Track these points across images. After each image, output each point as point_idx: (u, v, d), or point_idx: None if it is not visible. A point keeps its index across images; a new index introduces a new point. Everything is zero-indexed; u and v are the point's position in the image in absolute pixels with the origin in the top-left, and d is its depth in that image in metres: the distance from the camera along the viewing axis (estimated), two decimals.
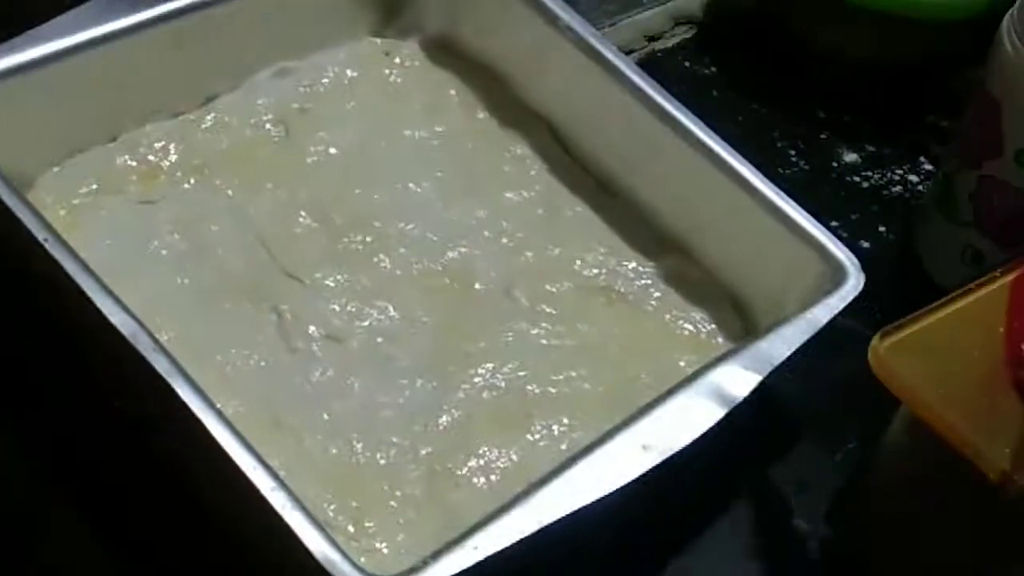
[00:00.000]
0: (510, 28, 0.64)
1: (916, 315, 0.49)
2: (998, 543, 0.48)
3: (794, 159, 0.75)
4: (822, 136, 0.77)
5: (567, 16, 0.62)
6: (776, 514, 0.55)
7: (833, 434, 0.59)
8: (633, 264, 0.60)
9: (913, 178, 0.75)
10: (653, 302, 0.59)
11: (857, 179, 0.74)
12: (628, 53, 0.80)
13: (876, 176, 0.75)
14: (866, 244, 0.70)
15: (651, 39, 0.81)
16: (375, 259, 0.58)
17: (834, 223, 0.71)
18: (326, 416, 0.52)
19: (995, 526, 0.47)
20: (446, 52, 0.67)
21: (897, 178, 0.75)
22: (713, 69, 0.80)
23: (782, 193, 0.57)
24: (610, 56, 0.61)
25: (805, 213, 0.57)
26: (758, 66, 0.80)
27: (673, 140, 0.59)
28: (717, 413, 0.48)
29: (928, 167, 0.75)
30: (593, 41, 0.61)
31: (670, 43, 0.82)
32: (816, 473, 0.58)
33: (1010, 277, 0.50)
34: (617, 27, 0.79)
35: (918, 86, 0.78)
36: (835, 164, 0.75)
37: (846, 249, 0.56)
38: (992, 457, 0.44)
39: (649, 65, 0.79)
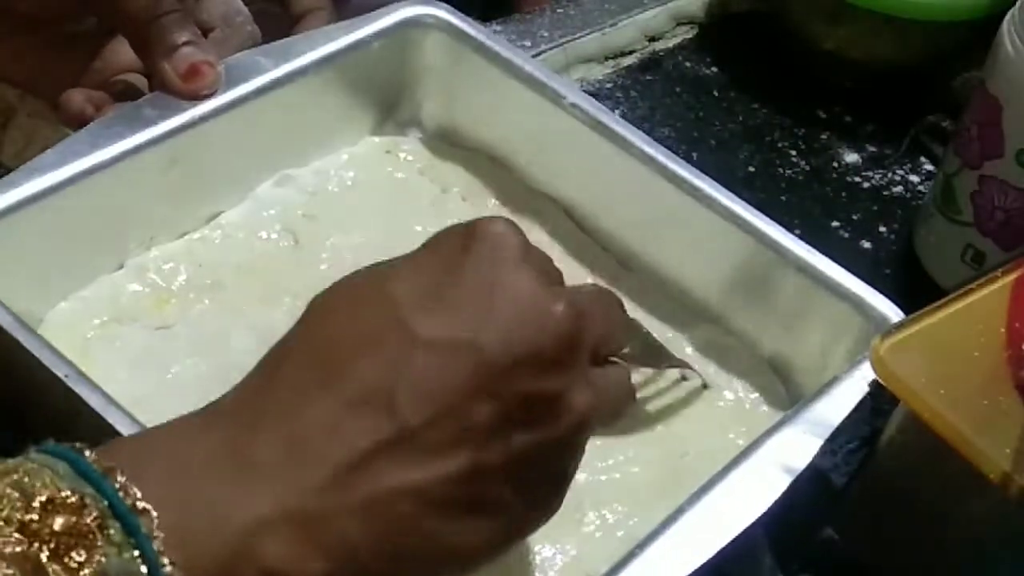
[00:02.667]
0: (512, 112, 0.63)
1: (916, 315, 0.49)
2: (998, 543, 0.48)
3: (795, 159, 0.75)
4: (823, 136, 0.77)
5: (571, 94, 0.61)
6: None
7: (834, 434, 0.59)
8: (665, 338, 0.59)
9: (914, 178, 0.75)
10: (691, 375, 0.58)
11: (858, 179, 0.74)
12: (629, 53, 0.80)
13: (877, 176, 0.75)
14: (867, 244, 0.70)
15: (652, 39, 0.81)
16: None
17: (835, 223, 0.71)
18: None
19: (995, 526, 0.47)
20: (448, 143, 0.66)
21: (898, 178, 0.75)
22: (714, 69, 0.80)
23: (813, 250, 0.56)
24: (620, 130, 0.60)
25: (839, 267, 0.56)
26: (758, 66, 0.81)
27: (694, 207, 0.58)
28: (780, 485, 0.47)
29: (929, 167, 0.75)
30: (601, 116, 0.60)
31: (671, 43, 0.82)
32: (822, 472, 0.58)
33: (1011, 277, 0.50)
34: (618, 27, 0.79)
35: (919, 86, 0.78)
36: (836, 164, 0.75)
37: (885, 299, 0.54)
38: (992, 457, 0.45)
39: (650, 65, 0.79)
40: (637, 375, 0.52)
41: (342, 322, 0.38)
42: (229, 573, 0.35)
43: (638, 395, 0.54)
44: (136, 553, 0.33)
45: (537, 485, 0.39)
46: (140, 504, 0.34)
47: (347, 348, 0.37)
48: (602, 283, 0.61)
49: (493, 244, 0.39)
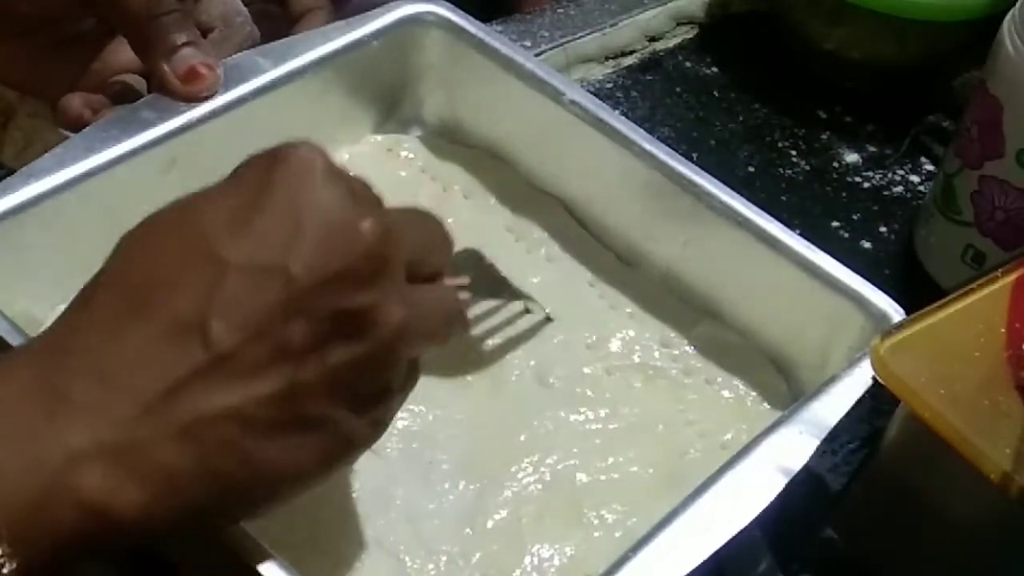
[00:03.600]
0: (513, 110, 0.63)
1: (917, 315, 0.49)
2: (998, 543, 0.48)
3: (795, 159, 0.75)
4: (823, 136, 0.77)
5: (571, 91, 0.61)
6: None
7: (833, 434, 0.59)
8: (665, 336, 0.59)
9: (914, 178, 0.75)
10: (692, 374, 0.58)
11: (858, 179, 0.75)
12: (629, 53, 0.80)
13: (877, 176, 0.75)
14: (867, 244, 0.70)
15: (652, 39, 0.82)
16: None
17: (835, 223, 0.71)
18: (370, 532, 0.50)
19: (995, 526, 0.47)
20: (449, 141, 0.66)
21: (898, 178, 0.75)
22: (714, 69, 0.80)
23: (812, 246, 0.56)
24: (620, 127, 0.59)
25: (839, 264, 0.56)
26: (759, 66, 0.81)
27: (694, 205, 0.58)
28: (777, 485, 0.46)
29: (929, 167, 0.75)
30: (601, 113, 0.60)
31: (671, 43, 0.82)
32: (816, 473, 0.58)
33: (1011, 277, 0.50)
34: (618, 27, 0.79)
35: (919, 86, 0.78)
36: (836, 164, 0.75)
37: (885, 296, 0.54)
38: (993, 457, 0.45)
39: (650, 65, 0.79)
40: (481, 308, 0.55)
41: (150, 254, 0.39)
42: (45, 509, 0.35)
43: (478, 329, 0.56)
44: None
45: (359, 401, 0.40)
46: None
47: (157, 279, 0.38)
48: (602, 281, 0.61)
49: (297, 166, 0.39)
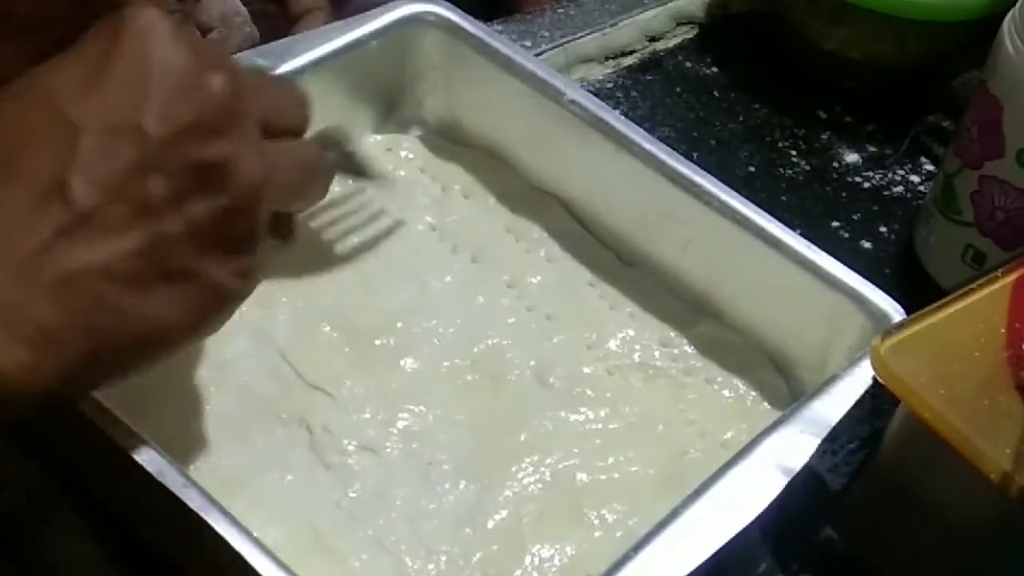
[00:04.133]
0: (512, 109, 0.63)
1: (917, 315, 0.49)
2: (998, 543, 0.48)
3: (795, 159, 0.75)
4: (823, 136, 0.77)
5: (571, 91, 0.61)
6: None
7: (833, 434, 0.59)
8: (666, 336, 0.59)
9: (914, 178, 0.75)
10: (692, 373, 0.58)
11: (858, 179, 0.75)
12: (629, 53, 0.80)
13: (877, 176, 0.75)
14: (867, 244, 0.70)
15: (652, 39, 0.82)
16: (401, 362, 0.56)
17: (835, 223, 0.71)
18: (370, 532, 0.50)
19: (995, 526, 0.47)
20: (449, 140, 0.66)
21: (898, 178, 0.75)
22: (714, 69, 0.80)
23: (813, 246, 0.56)
24: (620, 127, 0.59)
25: (839, 264, 0.56)
26: (759, 66, 0.81)
27: (693, 204, 0.58)
28: (777, 485, 0.46)
29: (929, 167, 0.75)
30: (601, 113, 0.60)
31: (671, 43, 0.82)
32: (816, 473, 0.58)
33: (1011, 277, 0.50)
34: (619, 27, 0.79)
35: (919, 86, 0.78)
36: (836, 164, 0.75)
37: (885, 295, 0.54)
38: (993, 457, 0.45)
39: (650, 65, 0.79)
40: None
41: (6, 126, 0.40)
42: None
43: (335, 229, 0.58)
44: None
45: (223, 251, 0.41)
46: None
47: (14, 148, 0.39)
48: (602, 281, 0.61)
49: (141, 27, 0.40)
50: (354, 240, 0.60)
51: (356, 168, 0.57)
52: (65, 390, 0.40)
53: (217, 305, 0.43)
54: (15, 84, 0.41)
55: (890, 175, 0.75)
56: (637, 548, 0.44)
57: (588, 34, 0.78)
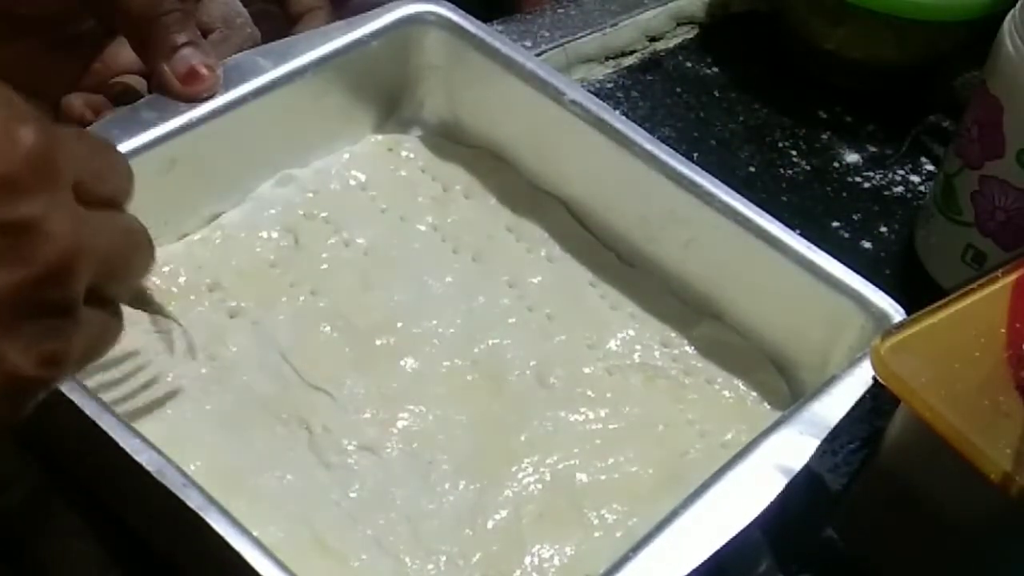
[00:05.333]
0: (513, 110, 0.63)
1: (917, 315, 0.49)
2: (998, 543, 0.48)
3: (795, 159, 0.75)
4: (823, 136, 0.77)
5: (572, 91, 0.61)
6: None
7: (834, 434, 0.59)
8: (666, 336, 0.59)
9: (914, 178, 0.75)
10: (692, 373, 0.58)
11: (858, 179, 0.75)
12: (630, 53, 0.80)
13: (877, 176, 0.75)
14: (867, 244, 0.70)
15: (653, 39, 0.82)
16: (402, 362, 0.56)
17: (835, 223, 0.71)
18: (370, 532, 0.50)
19: (995, 526, 0.47)
20: (450, 140, 0.66)
21: (898, 178, 0.75)
22: (715, 69, 0.81)
23: (813, 246, 0.56)
24: (621, 127, 0.59)
25: (840, 264, 0.56)
26: (759, 66, 0.81)
27: (694, 205, 0.58)
28: (777, 485, 0.46)
29: (929, 167, 0.75)
30: (602, 113, 0.60)
31: (672, 43, 0.82)
32: (816, 473, 0.58)
33: (1011, 278, 0.50)
34: (619, 27, 0.79)
35: (919, 86, 0.78)
36: (836, 164, 0.75)
37: (885, 295, 0.54)
38: (993, 457, 0.45)
39: (650, 65, 0.79)
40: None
41: None
42: None
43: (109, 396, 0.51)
44: None
45: (24, 331, 0.36)
46: None
47: None
48: (603, 282, 0.61)
49: None
50: (356, 240, 0.60)
51: (144, 304, 0.54)
52: None
53: (12, 396, 0.37)
54: None
55: (890, 175, 0.75)
56: (637, 548, 0.44)
57: (588, 34, 0.78)
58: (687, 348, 0.59)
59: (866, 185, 0.74)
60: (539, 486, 0.53)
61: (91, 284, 0.38)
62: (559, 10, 0.79)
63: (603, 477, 0.53)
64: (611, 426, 0.55)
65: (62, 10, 0.58)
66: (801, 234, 0.57)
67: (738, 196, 0.57)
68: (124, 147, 0.54)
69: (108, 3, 0.56)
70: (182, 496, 0.43)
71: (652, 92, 0.78)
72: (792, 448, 0.48)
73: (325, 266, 0.59)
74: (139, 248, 0.42)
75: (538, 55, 0.75)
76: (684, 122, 0.76)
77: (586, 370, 0.57)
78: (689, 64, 0.81)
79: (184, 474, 0.44)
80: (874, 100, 0.79)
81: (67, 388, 0.46)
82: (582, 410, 0.56)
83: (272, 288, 0.58)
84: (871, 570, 0.53)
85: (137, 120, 0.55)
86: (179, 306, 0.56)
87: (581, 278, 0.61)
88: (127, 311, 0.43)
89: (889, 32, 0.75)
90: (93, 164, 0.40)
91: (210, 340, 0.55)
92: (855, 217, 0.72)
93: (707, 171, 0.58)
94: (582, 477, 0.53)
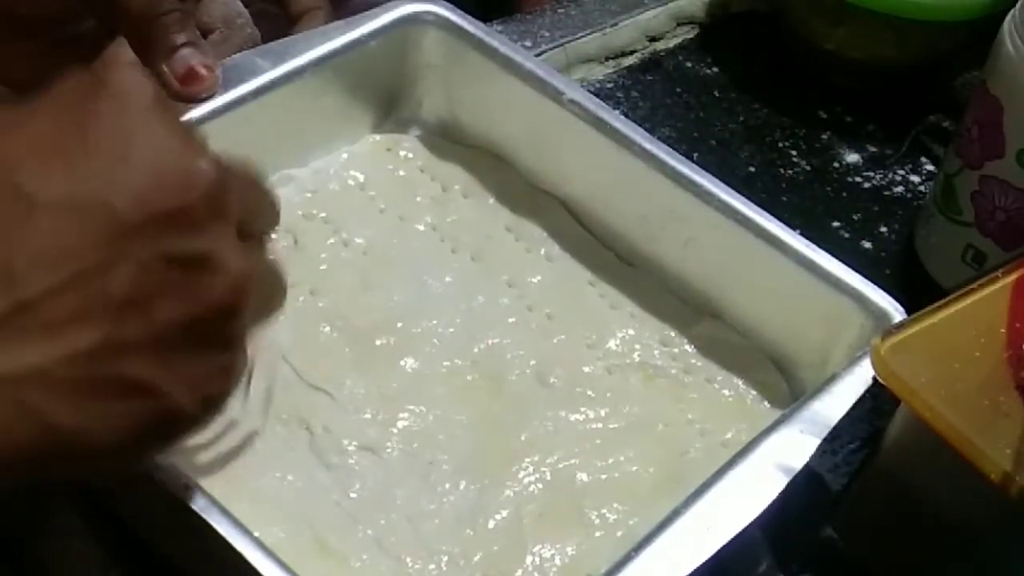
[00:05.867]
0: (512, 109, 0.63)
1: (917, 315, 0.49)
2: (998, 543, 0.48)
3: (795, 159, 0.75)
4: (823, 136, 0.77)
5: (571, 91, 0.61)
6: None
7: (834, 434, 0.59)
8: (666, 335, 0.59)
9: (914, 178, 0.75)
10: (692, 372, 0.58)
11: (859, 179, 0.75)
12: (630, 53, 0.80)
13: (878, 176, 0.75)
14: (867, 244, 0.70)
15: (653, 39, 0.82)
16: (401, 362, 0.56)
17: (835, 223, 0.71)
18: (371, 532, 0.50)
19: (995, 526, 0.47)
20: (449, 140, 0.66)
21: (898, 178, 0.75)
22: (715, 69, 0.80)
23: (813, 245, 0.56)
24: (620, 126, 0.59)
25: (840, 263, 0.56)
26: (759, 66, 0.81)
27: (693, 204, 0.57)
28: (778, 485, 0.46)
29: (929, 167, 0.75)
30: (601, 113, 0.60)
31: (672, 43, 0.82)
32: (816, 473, 0.58)
33: (1011, 278, 0.50)
34: (619, 27, 0.79)
35: (919, 86, 0.78)
36: (837, 164, 0.75)
37: (885, 295, 0.54)
38: (993, 457, 0.45)
39: (650, 65, 0.79)
40: None
41: None
42: None
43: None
44: None
45: (192, 364, 0.35)
46: None
47: None
48: (602, 281, 0.61)
49: (123, 91, 0.35)
50: (355, 240, 0.60)
51: None
52: None
53: (167, 431, 0.36)
54: None
55: (890, 175, 0.75)
56: (638, 548, 0.44)
57: (588, 34, 0.78)
58: (687, 347, 0.59)
59: (866, 185, 0.74)
60: (540, 486, 0.53)
61: None
62: (559, 10, 0.79)
63: (603, 476, 0.53)
64: (611, 425, 0.55)
65: (62, 10, 0.58)
66: (801, 234, 0.57)
67: (738, 195, 0.57)
68: None
69: (108, 3, 0.56)
70: (183, 498, 0.43)
71: (652, 92, 0.78)
72: (792, 447, 0.48)
73: (324, 266, 0.59)
74: (283, 285, 0.43)
75: (538, 55, 0.75)
76: (684, 122, 0.76)
77: (586, 369, 0.57)
78: (689, 64, 0.81)
79: (185, 475, 0.44)
80: (874, 100, 0.79)
81: None
82: (582, 409, 0.56)
83: None
84: (871, 570, 0.53)
85: None
86: None
87: (581, 277, 0.61)
88: None
89: (889, 32, 0.75)
90: (249, 199, 0.39)
91: None
92: (855, 217, 0.72)
93: (707, 171, 0.58)
94: (582, 477, 0.53)
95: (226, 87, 0.57)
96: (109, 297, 0.33)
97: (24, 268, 0.32)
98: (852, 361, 0.51)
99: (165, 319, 0.34)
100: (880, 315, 0.54)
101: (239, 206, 0.37)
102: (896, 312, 0.53)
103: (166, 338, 0.34)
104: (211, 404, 0.37)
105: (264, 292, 0.40)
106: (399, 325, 0.57)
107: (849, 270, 0.55)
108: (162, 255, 0.34)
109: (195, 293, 0.35)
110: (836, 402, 0.49)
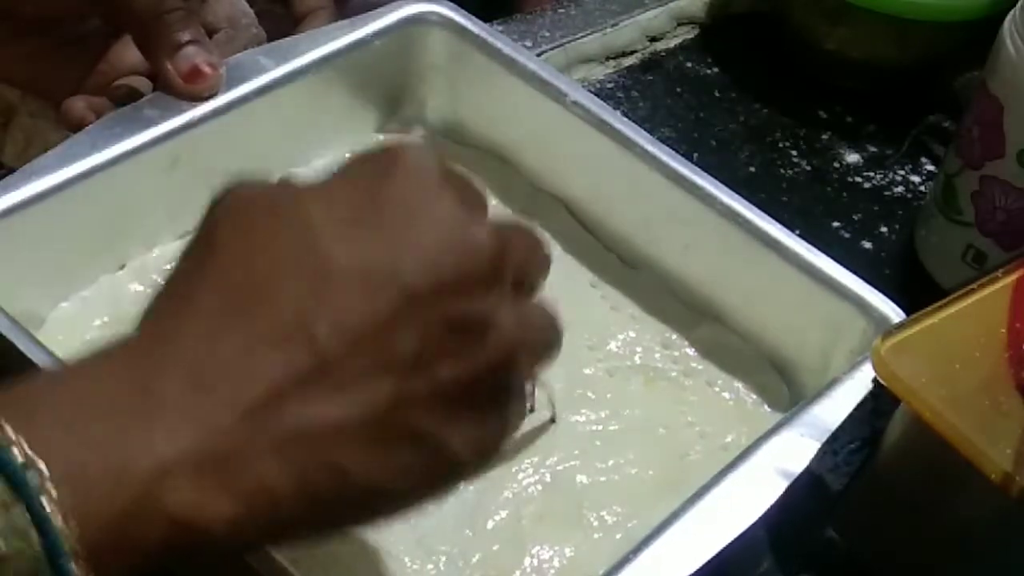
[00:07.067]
0: (515, 110, 0.63)
1: (918, 316, 0.49)
2: (999, 543, 0.48)
3: (796, 159, 0.75)
4: (824, 136, 0.77)
5: (574, 92, 0.61)
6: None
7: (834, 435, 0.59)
8: (667, 338, 0.59)
9: (915, 178, 0.75)
10: (693, 375, 0.58)
11: (859, 179, 0.75)
12: (630, 54, 0.80)
13: (878, 176, 0.75)
14: (868, 244, 0.70)
15: (653, 39, 0.82)
16: None
17: (836, 223, 0.72)
18: (370, 532, 0.50)
19: (996, 526, 0.48)
20: (452, 140, 0.66)
21: (899, 178, 0.75)
22: (715, 69, 0.81)
23: (814, 249, 0.56)
24: (622, 128, 0.59)
25: (840, 267, 0.56)
26: (759, 66, 0.81)
27: (695, 207, 0.58)
28: (777, 488, 0.46)
29: (930, 167, 0.76)
30: (604, 115, 0.60)
31: (672, 43, 0.82)
32: (817, 473, 0.58)
33: (1012, 278, 0.51)
34: (619, 27, 0.79)
35: (920, 86, 0.78)
36: (837, 164, 0.75)
37: (886, 299, 0.54)
38: (993, 458, 0.45)
39: (651, 65, 0.80)
40: None
41: (256, 248, 0.36)
42: (133, 523, 0.33)
43: None
44: (23, 508, 0.31)
45: (469, 417, 0.38)
46: (28, 453, 0.31)
47: (261, 277, 0.36)
48: (604, 283, 0.61)
49: (412, 168, 0.38)
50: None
51: None
52: (264, 545, 0.37)
53: (447, 477, 0.39)
54: (268, 198, 0.37)
55: (891, 175, 0.75)
56: (637, 550, 0.44)
57: (589, 34, 0.78)
58: (688, 350, 0.59)
59: (866, 185, 0.74)
60: (539, 487, 0.53)
61: None
62: (559, 10, 0.79)
63: (603, 479, 0.53)
64: (611, 427, 0.55)
65: (66, 9, 0.58)
66: (801, 234, 0.57)
67: (739, 198, 0.57)
68: (126, 145, 0.54)
69: (112, 2, 0.56)
70: None
71: (652, 92, 0.78)
72: (793, 451, 0.48)
73: None
74: (559, 336, 0.44)
75: (539, 55, 0.75)
76: (684, 122, 0.76)
77: (586, 371, 0.57)
78: (689, 64, 0.81)
79: None
80: (874, 100, 0.79)
81: None
82: (582, 411, 0.56)
83: None
84: (871, 570, 0.53)
85: (140, 118, 0.55)
86: None
87: (582, 279, 0.61)
88: None
89: (890, 32, 0.75)
90: (525, 255, 0.42)
91: None
92: (855, 217, 0.72)
93: (707, 171, 0.58)
94: (582, 478, 0.53)
95: (230, 86, 0.57)
96: (398, 357, 0.36)
97: (326, 332, 0.35)
98: (853, 365, 0.51)
99: (446, 376, 0.36)
100: (881, 320, 0.54)
101: (515, 263, 0.40)
102: (897, 316, 0.53)
103: (447, 393, 0.37)
104: (483, 454, 0.39)
105: (539, 339, 0.43)
106: None
107: (850, 274, 0.55)
108: (444, 319, 0.36)
109: (472, 352, 0.37)
110: (836, 406, 0.50)
